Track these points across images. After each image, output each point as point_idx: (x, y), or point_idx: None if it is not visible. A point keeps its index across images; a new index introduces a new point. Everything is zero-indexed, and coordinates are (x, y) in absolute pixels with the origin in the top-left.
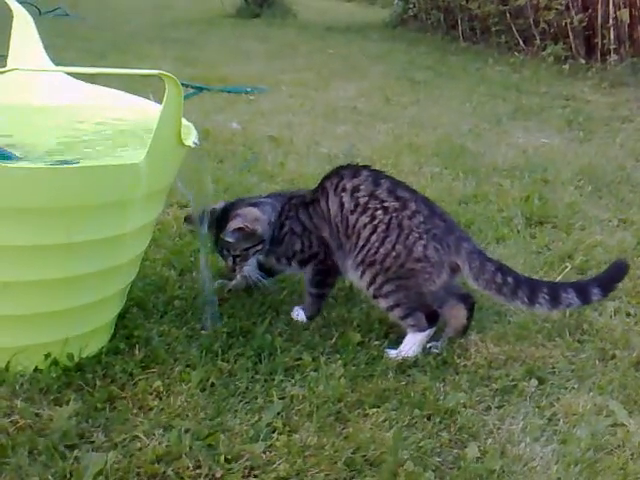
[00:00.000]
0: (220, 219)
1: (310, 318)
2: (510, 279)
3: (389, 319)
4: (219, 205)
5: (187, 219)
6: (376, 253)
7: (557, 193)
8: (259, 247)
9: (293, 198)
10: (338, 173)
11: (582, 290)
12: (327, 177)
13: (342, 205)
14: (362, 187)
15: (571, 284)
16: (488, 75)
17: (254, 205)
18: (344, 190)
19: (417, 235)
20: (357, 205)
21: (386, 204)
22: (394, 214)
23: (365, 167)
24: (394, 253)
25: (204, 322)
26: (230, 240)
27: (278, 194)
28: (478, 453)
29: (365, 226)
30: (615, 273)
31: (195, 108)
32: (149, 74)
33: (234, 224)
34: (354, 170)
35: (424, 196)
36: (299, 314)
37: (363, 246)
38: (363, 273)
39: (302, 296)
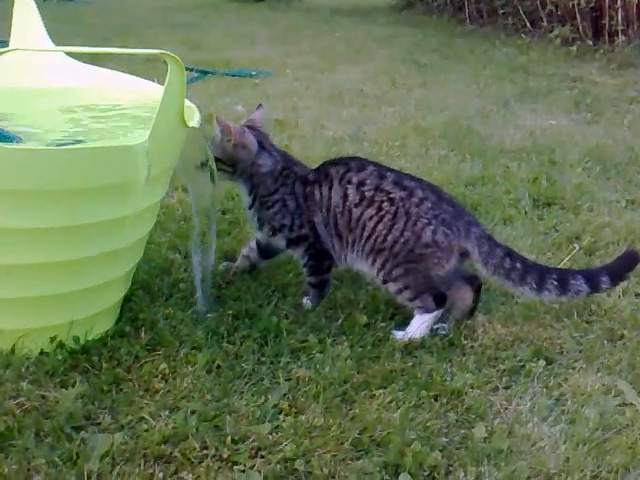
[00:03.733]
0: None
1: (317, 306)
2: (519, 264)
3: (396, 301)
4: None
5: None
6: (384, 241)
7: (565, 174)
8: (225, 168)
9: (294, 165)
10: (346, 163)
11: (591, 278)
12: (333, 163)
13: (346, 196)
14: (368, 181)
15: (580, 271)
16: (495, 57)
17: (259, 141)
18: (350, 182)
19: (425, 221)
20: (362, 199)
21: (392, 195)
22: (400, 203)
23: (371, 162)
24: (402, 239)
25: (197, 305)
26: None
27: (283, 152)
28: (485, 433)
29: (371, 218)
30: (625, 262)
31: (200, 92)
32: (151, 53)
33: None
34: (361, 163)
35: (431, 183)
36: (307, 302)
37: (369, 236)
38: (374, 261)
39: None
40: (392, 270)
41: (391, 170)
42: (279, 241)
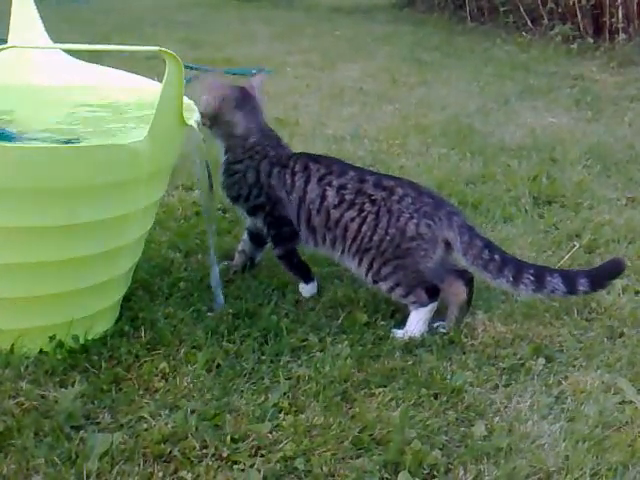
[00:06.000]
0: None
1: (306, 282)
2: (497, 256)
3: (394, 300)
4: None
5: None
6: (370, 240)
7: (565, 172)
8: (205, 122)
9: (269, 145)
10: (328, 165)
11: (569, 278)
12: (314, 159)
13: (324, 197)
14: (349, 186)
15: (559, 270)
16: (496, 55)
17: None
18: (330, 185)
19: (408, 215)
20: (342, 201)
21: (373, 197)
22: (382, 203)
23: (352, 167)
24: (388, 237)
25: (214, 302)
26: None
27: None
28: (485, 431)
29: (353, 219)
30: (610, 269)
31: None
32: (148, 51)
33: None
34: (343, 168)
35: (410, 180)
36: (302, 289)
37: (355, 237)
38: (360, 261)
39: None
40: (380, 269)
41: (372, 173)
42: (240, 211)
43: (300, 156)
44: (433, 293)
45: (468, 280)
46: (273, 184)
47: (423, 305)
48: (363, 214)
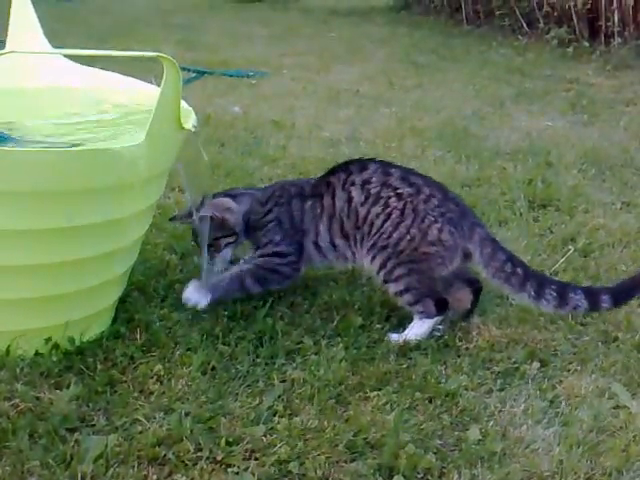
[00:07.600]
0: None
1: (213, 302)
2: (519, 270)
3: (391, 302)
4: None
5: (172, 218)
6: (389, 237)
7: (560, 176)
8: (231, 239)
9: (290, 186)
10: (346, 168)
11: (592, 295)
12: (333, 172)
13: (350, 199)
14: (373, 179)
15: (582, 287)
16: (492, 58)
17: (231, 196)
18: (353, 184)
19: (432, 218)
20: (368, 197)
21: (399, 191)
22: (409, 199)
23: (372, 160)
24: (408, 237)
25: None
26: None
27: (271, 185)
28: (479, 435)
29: (378, 215)
30: (632, 286)
31: (196, 92)
32: (147, 56)
33: (202, 212)
34: (362, 164)
35: (437, 181)
36: (195, 298)
37: (376, 232)
38: (374, 258)
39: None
40: (394, 269)
41: (395, 166)
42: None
43: (324, 178)
44: (442, 307)
45: (476, 290)
46: (305, 222)
47: (429, 317)
48: (388, 209)
